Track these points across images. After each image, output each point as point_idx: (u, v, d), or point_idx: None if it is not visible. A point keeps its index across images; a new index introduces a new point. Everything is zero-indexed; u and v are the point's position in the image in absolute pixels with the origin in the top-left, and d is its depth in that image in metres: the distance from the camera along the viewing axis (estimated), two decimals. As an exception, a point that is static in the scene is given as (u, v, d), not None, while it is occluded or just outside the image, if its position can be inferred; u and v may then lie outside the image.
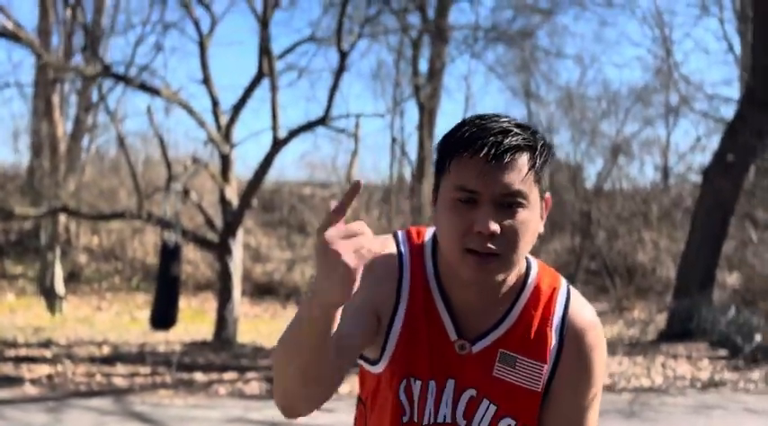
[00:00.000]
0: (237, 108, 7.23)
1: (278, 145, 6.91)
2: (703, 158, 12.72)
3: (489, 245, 0.96)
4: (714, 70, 19.71)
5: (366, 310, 1.03)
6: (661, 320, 7.96)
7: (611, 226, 12.58)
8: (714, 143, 12.99)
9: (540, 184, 1.00)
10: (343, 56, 6.28)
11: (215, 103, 7.29)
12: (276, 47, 7.19)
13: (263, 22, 6.92)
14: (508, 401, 1.03)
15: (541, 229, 1.02)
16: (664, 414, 4.70)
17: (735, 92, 12.94)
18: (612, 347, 6.81)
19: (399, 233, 1.10)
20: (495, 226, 0.95)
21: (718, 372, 5.90)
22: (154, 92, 6.45)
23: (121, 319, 8.71)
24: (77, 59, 12.39)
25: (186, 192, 6.70)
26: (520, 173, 0.97)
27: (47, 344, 6.58)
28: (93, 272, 11.08)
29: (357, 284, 0.84)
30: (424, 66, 13.32)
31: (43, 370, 5.47)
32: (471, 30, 12.74)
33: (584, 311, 1.06)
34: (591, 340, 1.04)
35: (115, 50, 14.89)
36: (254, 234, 11.84)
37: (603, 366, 1.06)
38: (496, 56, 13.70)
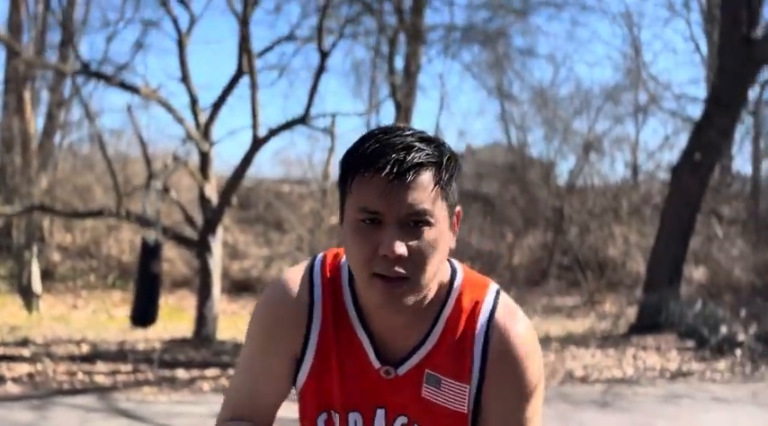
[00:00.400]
0: (217, 106, 7.26)
1: (258, 143, 6.95)
2: (671, 156, 13.08)
3: (397, 269, 0.90)
4: (682, 70, 20.18)
5: (279, 366, 1.01)
6: (631, 313, 8.21)
7: (583, 222, 12.87)
8: (682, 141, 13.35)
9: (447, 200, 0.94)
10: (324, 56, 6.36)
11: (194, 101, 7.30)
12: (256, 46, 7.21)
13: (243, 20, 6.96)
14: (437, 424, 0.99)
15: (453, 244, 0.97)
16: (636, 404, 4.89)
17: (701, 91, 13.31)
18: (585, 340, 7.01)
19: (316, 259, 1.04)
20: (401, 249, 0.90)
21: (686, 363, 6.14)
22: (133, 90, 6.45)
23: (98, 317, 8.68)
24: (49, 55, 12.25)
25: (166, 190, 6.72)
26: (425, 191, 0.91)
27: (24, 343, 6.55)
28: (67, 270, 10.98)
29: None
30: (400, 64, 13.45)
31: (23, 369, 5.47)
32: (446, 29, 12.90)
33: (511, 323, 0.98)
34: (518, 352, 0.97)
35: (86, 46, 14.70)
36: (231, 231, 11.83)
37: (537, 377, 0.99)
38: (471, 55, 13.89)
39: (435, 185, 0.92)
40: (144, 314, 6.25)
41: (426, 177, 0.92)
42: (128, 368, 5.69)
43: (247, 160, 7.16)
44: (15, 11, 11.43)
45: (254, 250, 11.83)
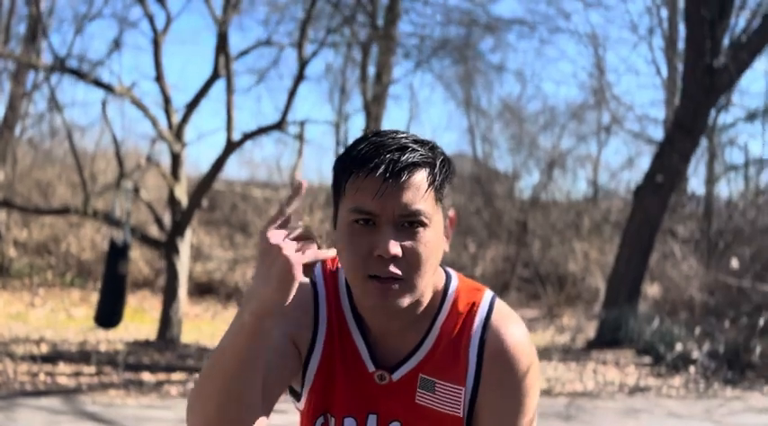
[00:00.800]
0: (191, 107, 7.21)
1: (232, 147, 6.94)
2: (632, 175, 13.51)
3: (392, 269, 0.91)
4: (643, 92, 20.81)
5: (286, 344, 0.97)
6: (590, 327, 8.43)
7: (545, 236, 13.16)
8: (642, 162, 13.80)
9: (442, 202, 0.95)
10: (303, 64, 6.39)
11: (167, 101, 7.24)
12: (232, 49, 7.19)
13: (222, 22, 6.94)
14: None
15: (446, 248, 0.98)
16: (598, 417, 5.05)
17: (662, 113, 13.76)
18: (547, 353, 7.19)
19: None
20: (395, 249, 0.90)
21: (644, 378, 6.35)
22: (107, 88, 6.37)
23: (57, 316, 8.48)
24: (13, 46, 11.95)
25: (136, 190, 6.63)
26: (419, 192, 0.92)
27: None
28: (23, 266, 10.70)
29: (295, 290, 0.82)
30: (372, 71, 13.54)
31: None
32: (419, 39, 13.05)
33: (506, 327, 0.98)
34: (513, 358, 0.96)
35: (54, 39, 14.38)
36: (196, 232, 11.72)
37: (533, 384, 0.97)
38: (442, 66, 14.07)
39: (429, 186, 0.93)
40: (109, 315, 6.16)
41: (420, 177, 0.92)
42: (91, 369, 5.59)
43: (220, 163, 7.13)
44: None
45: (219, 252, 11.72)
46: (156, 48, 7.16)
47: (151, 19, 7.23)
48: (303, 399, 1.02)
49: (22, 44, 11.44)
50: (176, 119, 7.18)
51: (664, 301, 11.05)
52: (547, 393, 5.65)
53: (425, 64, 13.34)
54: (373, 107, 13.07)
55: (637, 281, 8.00)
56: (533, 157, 13.92)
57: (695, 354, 6.62)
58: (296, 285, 0.82)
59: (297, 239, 0.85)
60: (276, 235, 0.84)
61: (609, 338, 7.50)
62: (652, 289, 11.26)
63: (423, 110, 17.18)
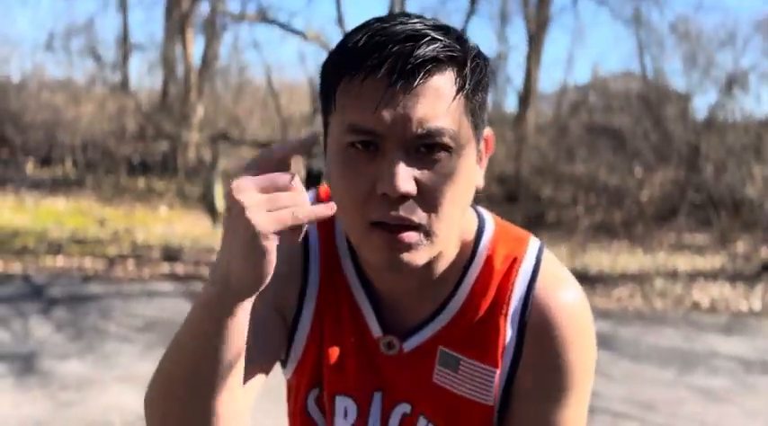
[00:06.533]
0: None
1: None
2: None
3: (402, 214, 0.66)
4: None
5: (269, 314, 0.76)
6: (765, 252, 8.27)
7: (720, 160, 12.57)
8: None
9: (474, 117, 0.69)
10: (474, 1, 6.80)
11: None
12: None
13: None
14: (450, 418, 0.77)
15: (481, 182, 0.73)
16: (760, 332, 5.27)
17: None
18: (714, 275, 7.28)
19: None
20: (407, 185, 0.65)
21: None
22: (300, 34, 7.25)
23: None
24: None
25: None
26: (441, 101, 0.66)
27: (209, 250, 7.81)
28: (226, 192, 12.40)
29: (272, 263, 0.57)
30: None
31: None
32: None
33: (557, 290, 0.75)
34: (564, 331, 0.74)
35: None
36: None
37: (585, 367, 0.75)
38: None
39: (458, 92, 0.67)
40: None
41: (444, 80, 0.66)
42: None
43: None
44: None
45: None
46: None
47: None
48: (290, 372, 0.82)
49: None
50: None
51: None
52: (710, 310, 5.90)
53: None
54: (537, 31, 13.02)
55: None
56: (710, 76, 13.15)
57: None
58: (268, 260, 0.57)
59: (275, 189, 0.59)
60: (244, 186, 0.58)
61: (783, 262, 7.39)
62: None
63: (588, 31, 16.61)
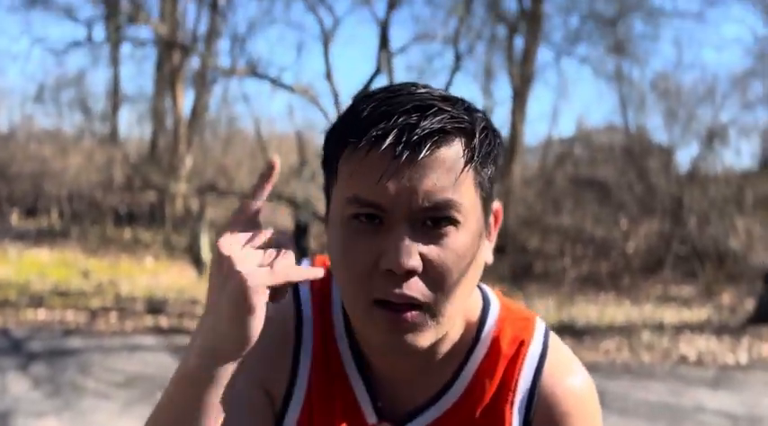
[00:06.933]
0: (357, 100, 8.10)
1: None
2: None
3: (406, 292, 0.63)
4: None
5: (254, 396, 0.71)
6: (750, 305, 8.31)
7: (703, 212, 12.75)
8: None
9: (482, 189, 0.66)
10: (459, 58, 6.99)
11: (336, 97, 8.16)
12: (393, 44, 7.94)
13: (383, 24, 7.69)
14: None
15: (490, 258, 0.70)
16: (747, 386, 5.24)
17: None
18: (700, 327, 7.28)
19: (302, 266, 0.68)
20: (412, 260, 0.62)
21: (803, 354, 6.32)
22: (289, 89, 7.39)
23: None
24: (199, 46, 13.63)
25: (314, 176, 7.65)
26: (449, 173, 0.63)
27: (194, 302, 7.73)
28: (212, 243, 12.40)
29: (260, 323, 0.56)
30: (519, 49, 13.77)
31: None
32: (565, 13, 13.06)
33: (565, 376, 0.72)
34: (577, 418, 0.71)
35: (227, 43, 16.09)
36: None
37: None
38: (591, 42, 13.93)
39: (466, 165, 0.64)
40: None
41: (452, 152, 0.64)
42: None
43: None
44: (170, 3, 12.75)
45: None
46: (325, 48, 8.09)
47: (321, 22, 8.17)
48: None
49: (204, 45, 13.08)
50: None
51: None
52: (697, 364, 5.88)
53: (573, 42, 13.33)
54: (519, 85, 13.34)
55: (801, 258, 7.77)
56: (690, 130, 13.47)
57: None
58: (257, 318, 0.56)
59: (265, 247, 0.59)
60: (231, 242, 0.58)
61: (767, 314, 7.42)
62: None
63: (571, 87, 17.05)
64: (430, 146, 0.62)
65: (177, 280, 8.98)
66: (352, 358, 0.74)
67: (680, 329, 7.16)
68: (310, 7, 8.13)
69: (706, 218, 12.73)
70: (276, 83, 7.10)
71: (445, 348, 0.72)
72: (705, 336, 6.87)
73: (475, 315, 0.74)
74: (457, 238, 0.64)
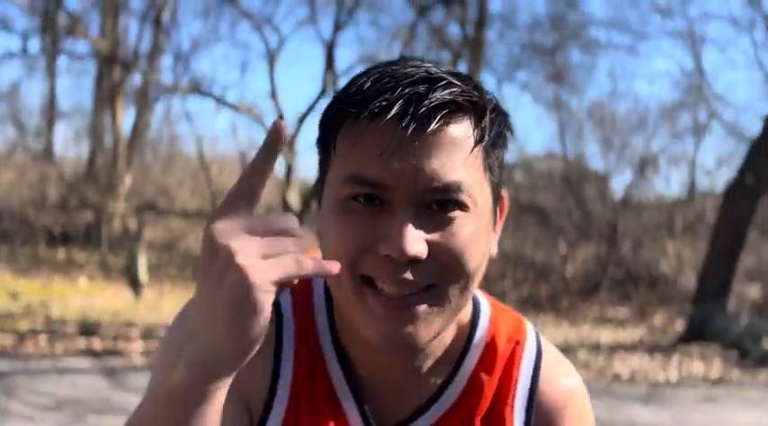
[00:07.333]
0: (302, 120, 8.11)
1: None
2: (728, 175, 13.36)
3: (408, 277, 0.57)
4: (744, 88, 20.17)
5: (233, 407, 0.63)
6: (680, 325, 8.65)
7: (637, 237, 13.24)
8: (739, 161, 13.61)
9: (492, 173, 0.61)
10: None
11: (281, 116, 8.17)
12: (338, 65, 8.03)
13: (329, 45, 7.78)
14: None
15: (494, 250, 0.65)
16: (677, 402, 5.43)
17: (763, 110, 13.51)
18: (634, 347, 7.51)
19: None
20: (416, 246, 0.56)
21: (728, 371, 6.60)
22: (233, 107, 7.35)
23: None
24: (141, 64, 13.40)
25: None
26: (459, 152, 0.58)
27: (130, 324, 7.49)
28: (151, 264, 12.08)
29: (264, 327, 0.47)
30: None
31: (139, 346, 6.38)
32: (506, 44, 13.49)
33: (562, 377, 0.70)
34: (572, 420, 0.69)
35: (170, 60, 15.90)
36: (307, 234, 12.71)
37: None
38: (530, 71, 14.41)
39: (476, 145, 0.58)
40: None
41: (461, 129, 0.58)
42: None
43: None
44: (111, 19, 12.51)
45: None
46: (270, 67, 8.10)
47: (266, 42, 8.19)
48: None
49: (147, 62, 12.85)
50: (289, 131, 8.11)
51: (765, 302, 10.95)
52: (630, 381, 6.06)
53: (515, 68, 13.76)
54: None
55: (726, 280, 8.16)
56: (624, 157, 14.04)
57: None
58: (261, 321, 0.46)
59: (269, 233, 0.48)
60: (229, 227, 0.47)
61: (696, 334, 7.73)
62: (752, 290, 11.18)
63: (513, 114, 17.54)
64: (439, 120, 0.56)
65: (113, 302, 8.68)
66: (338, 361, 0.67)
67: (614, 349, 7.38)
68: (256, 26, 8.17)
69: (639, 243, 13.23)
70: (220, 101, 7.06)
71: (438, 350, 0.66)
72: (638, 355, 7.09)
73: (466, 315, 0.68)
74: (465, 224, 0.58)
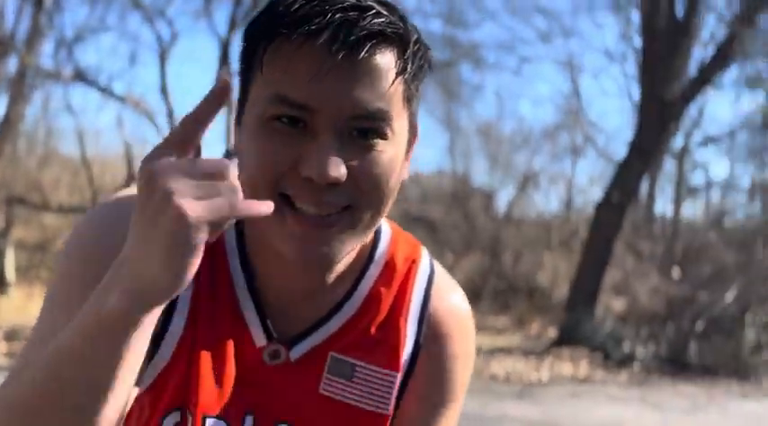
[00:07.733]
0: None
1: (229, 155, 7.64)
2: (600, 194, 14.44)
3: (327, 198, 0.59)
4: (616, 115, 21.88)
5: None
6: (554, 332, 9.21)
7: (517, 250, 13.96)
8: (607, 181, 14.76)
9: (410, 106, 0.64)
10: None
11: (171, 113, 7.93)
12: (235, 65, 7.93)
13: (225, 42, 7.67)
14: None
15: (406, 174, 0.67)
16: (547, 399, 5.79)
17: (630, 136, 14.72)
18: (510, 351, 7.91)
19: None
20: (338, 171, 0.58)
21: (593, 372, 7.13)
22: (120, 99, 7.06)
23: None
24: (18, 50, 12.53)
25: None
26: (382, 81, 0.59)
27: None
28: (21, 264, 11.24)
29: (197, 263, 0.48)
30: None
31: (2, 347, 5.94)
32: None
33: (451, 294, 0.74)
34: (459, 335, 0.73)
35: (51, 46, 14.99)
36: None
37: (470, 369, 0.75)
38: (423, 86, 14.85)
39: (398, 76, 0.60)
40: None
41: (387, 59, 0.60)
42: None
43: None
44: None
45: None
46: (162, 62, 7.86)
47: (159, 36, 7.95)
48: (141, 390, 0.65)
49: (25, 45, 12.03)
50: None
51: (627, 312, 11.89)
52: (505, 381, 6.38)
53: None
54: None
55: (594, 290, 8.80)
56: (509, 174, 14.80)
57: (640, 353, 7.42)
58: (195, 259, 0.48)
59: (206, 175, 0.49)
60: (167, 167, 0.48)
61: (567, 338, 8.27)
62: (617, 303, 12.09)
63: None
64: (369, 49, 0.58)
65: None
66: (243, 275, 0.68)
67: (492, 352, 7.73)
68: (147, 18, 7.91)
69: (519, 256, 13.96)
70: (106, 91, 6.76)
71: (341, 266, 0.69)
72: (514, 358, 7.47)
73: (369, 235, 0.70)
74: (384, 152, 0.61)
